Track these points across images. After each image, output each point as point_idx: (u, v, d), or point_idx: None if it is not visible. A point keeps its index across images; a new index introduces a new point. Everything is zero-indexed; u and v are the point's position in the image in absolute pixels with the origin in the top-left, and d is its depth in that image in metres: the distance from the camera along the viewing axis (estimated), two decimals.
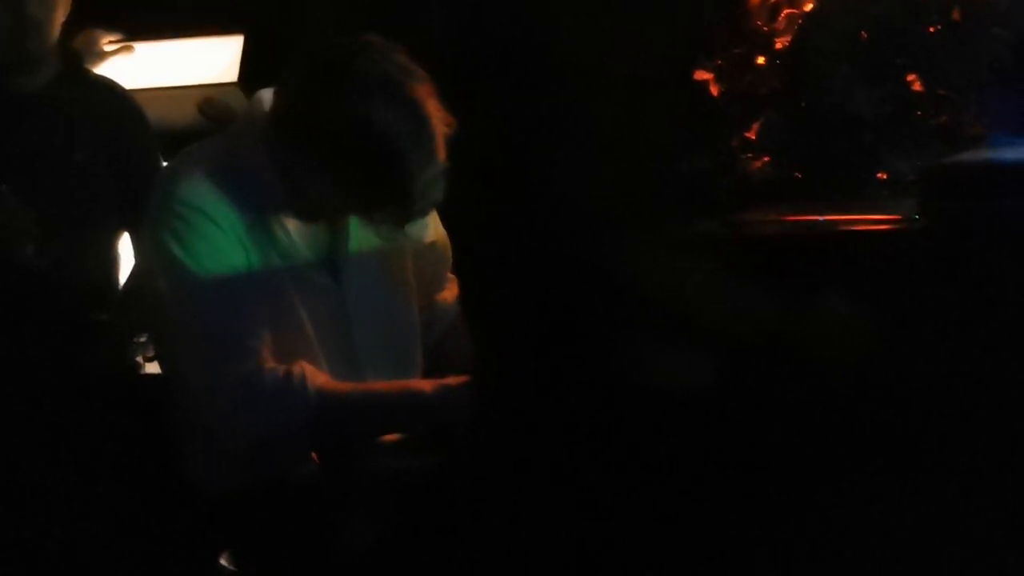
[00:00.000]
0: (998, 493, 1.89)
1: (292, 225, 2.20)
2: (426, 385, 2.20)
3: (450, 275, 2.48)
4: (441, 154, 2.09)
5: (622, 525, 2.00)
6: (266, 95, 2.25)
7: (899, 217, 2.07)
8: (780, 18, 2.74)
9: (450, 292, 2.47)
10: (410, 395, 2.18)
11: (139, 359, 3.03)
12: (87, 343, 2.98)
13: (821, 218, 2.08)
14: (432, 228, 2.39)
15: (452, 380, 2.18)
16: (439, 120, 2.09)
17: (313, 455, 2.18)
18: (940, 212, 1.95)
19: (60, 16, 2.96)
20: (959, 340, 1.90)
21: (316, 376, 2.16)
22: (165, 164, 2.39)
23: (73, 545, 2.82)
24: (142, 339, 3.08)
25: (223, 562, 2.20)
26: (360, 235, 2.26)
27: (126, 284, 3.08)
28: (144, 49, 3.47)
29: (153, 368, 2.99)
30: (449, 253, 2.45)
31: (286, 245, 2.20)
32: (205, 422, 2.18)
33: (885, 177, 2.58)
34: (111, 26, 3.43)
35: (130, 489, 2.83)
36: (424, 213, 2.15)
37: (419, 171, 2.06)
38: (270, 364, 2.15)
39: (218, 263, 2.14)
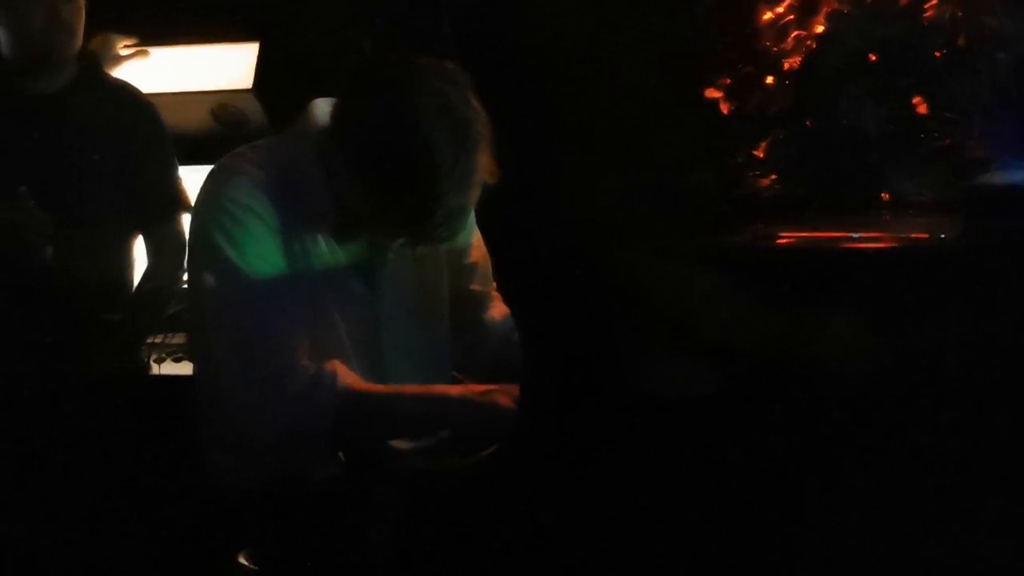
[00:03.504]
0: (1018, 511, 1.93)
1: (334, 233, 2.24)
2: (452, 390, 2.23)
3: (495, 294, 2.51)
4: (474, 191, 2.13)
5: (644, 532, 2.04)
6: (322, 104, 2.28)
7: (925, 236, 2.11)
8: (789, 39, 2.79)
9: (497, 310, 2.50)
10: (436, 399, 2.21)
11: (151, 360, 3.07)
12: (99, 343, 3.02)
13: (856, 234, 2.12)
14: (474, 248, 2.43)
15: (477, 387, 2.21)
16: (486, 166, 2.12)
17: (340, 455, 2.20)
18: (972, 231, 1.99)
19: (82, 21, 3.01)
20: (981, 357, 1.95)
21: (346, 375, 2.19)
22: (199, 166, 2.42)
23: (89, 544, 2.86)
24: (155, 340, 3.12)
25: (242, 560, 2.23)
26: (397, 248, 2.30)
27: (139, 285, 3.12)
28: (160, 54, 3.51)
29: (165, 369, 3.04)
30: (489, 272, 2.48)
31: (328, 252, 2.24)
32: (233, 416, 2.21)
33: (889, 197, 2.62)
34: (128, 30, 3.47)
35: (145, 487, 2.88)
36: (443, 240, 2.17)
37: (446, 196, 2.10)
38: (304, 362, 2.18)
39: (264, 262, 2.17)
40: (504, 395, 2.15)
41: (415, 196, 2.10)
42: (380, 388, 2.22)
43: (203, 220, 2.22)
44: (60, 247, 2.94)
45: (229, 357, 2.19)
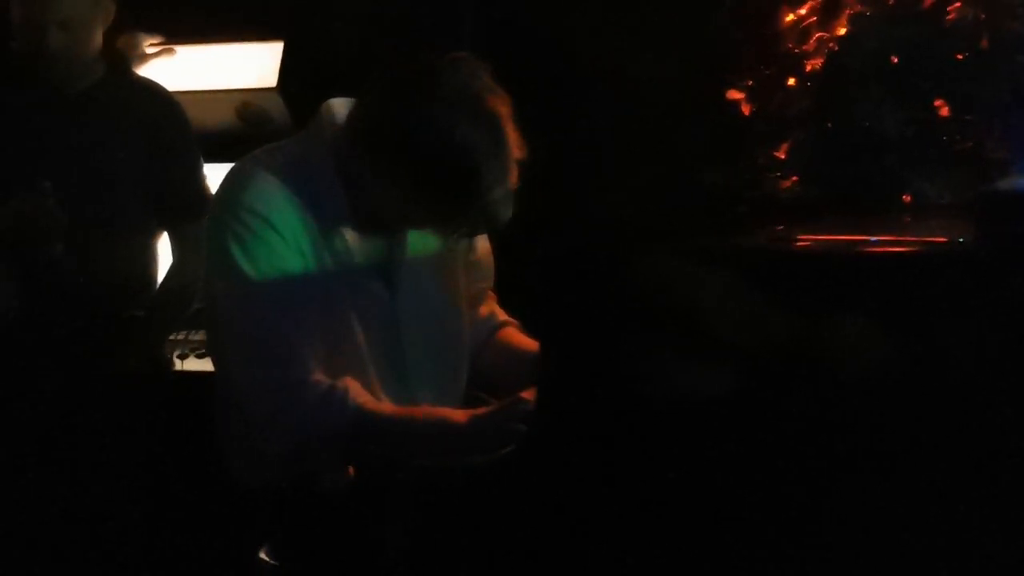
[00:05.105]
0: None
1: (351, 234, 2.25)
2: (461, 416, 2.21)
3: (490, 292, 2.53)
4: (513, 176, 2.13)
5: (659, 534, 2.05)
6: (335, 104, 2.28)
7: (946, 239, 2.11)
8: (811, 41, 2.79)
9: (487, 307, 2.51)
10: (445, 426, 2.20)
11: (175, 356, 3.10)
12: (124, 339, 3.04)
13: (871, 238, 2.12)
14: (479, 244, 2.43)
15: (485, 411, 2.20)
16: (515, 142, 2.13)
17: (349, 468, 2.21)
18: (993, 234, 1.98)
19: (100, 21, 3.03)
20: (999, 362, 1.95)
21: (359, 395, 2.20)
22: (220, 165, 2.42)
23: (112, 539, 2.88)
24: (178, 337, 3.15)
25: (263, 555, 2.25)
26: (416, 246, 2.31)
27: (163, 282, 3.14)
28: (186, 52, 3.53)
29: (188, 365, 3.07)
30: (492, 270, 2.50)
31: (344, 254, 2.24)
32: (247, 422, 2.22)
33: (910, 199, 2.62)
34: (153, 29, 3.49)
35: (167, 483, 2.90)
36: (492, 229, 2.19)
37: (490, 188, 2.10)
38: (317, 376, 2.18)
39: (277, 271, 2.18)
40: (513, 414, 2.14)
41: (461, 195, 2.11)
42: (391, 410, 2.22)
43: (218, 227, 2.23)
44: (84, 244, 2.95)
45: (241, 366, 2.20)
